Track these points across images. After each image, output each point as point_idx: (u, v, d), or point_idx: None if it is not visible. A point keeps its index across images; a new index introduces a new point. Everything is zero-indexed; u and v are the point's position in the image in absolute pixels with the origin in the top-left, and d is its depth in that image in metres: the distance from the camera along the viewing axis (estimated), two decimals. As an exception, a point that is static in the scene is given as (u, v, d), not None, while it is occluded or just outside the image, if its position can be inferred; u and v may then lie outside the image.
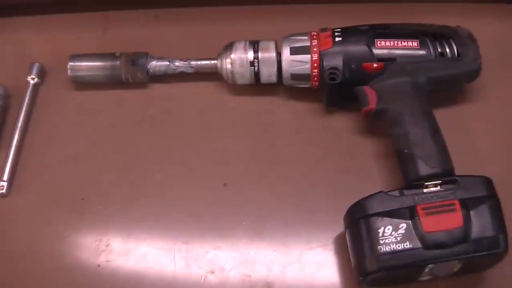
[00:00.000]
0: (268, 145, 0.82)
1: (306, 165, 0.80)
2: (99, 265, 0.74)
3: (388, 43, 0.77)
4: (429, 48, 0.77)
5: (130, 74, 0.84)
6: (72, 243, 0.76)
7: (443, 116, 0.76)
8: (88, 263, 0.75)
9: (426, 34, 0.78)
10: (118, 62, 0.84)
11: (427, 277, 0.68)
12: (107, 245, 0.75)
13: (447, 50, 0.77)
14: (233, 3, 0.93)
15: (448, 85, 0.80)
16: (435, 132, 0.72)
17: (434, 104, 0.77)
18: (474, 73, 0.78)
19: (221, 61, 0.82)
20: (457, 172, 0.70)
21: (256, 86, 0.84)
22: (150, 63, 0.84)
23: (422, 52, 0.76)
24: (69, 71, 0.85)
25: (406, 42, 0.77)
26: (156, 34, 0.92)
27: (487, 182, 0.67)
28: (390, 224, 0.65)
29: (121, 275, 0.74)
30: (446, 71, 0.77)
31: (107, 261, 0.75)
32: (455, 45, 0.77)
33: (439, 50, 0.77)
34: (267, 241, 0.75)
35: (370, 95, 0.76)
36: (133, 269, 0.74)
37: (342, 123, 0.82)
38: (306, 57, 0.78)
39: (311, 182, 0.78)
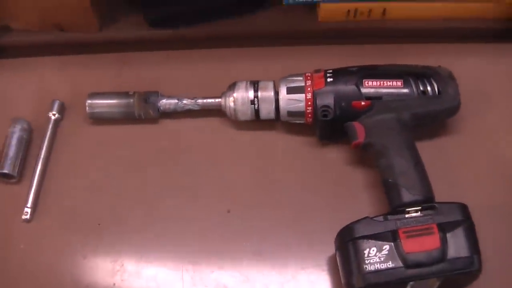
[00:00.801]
0: (267, 175, 0.86)
1: (302, 193, 0.84)
2: (114, 284, 0.79)
3: (375, 83, 0.82)
4: (412, 87, 0.81)
5: (143, 111, 0.89)
6: (90, 264, 0.81)
7: (425, 148, 0.81)
8: (105, 282, 0.79)
9: (410, 74, 0.82)
10: (131, 100, 0.89)
11: None
12: (122, 266, 0.80)
13: (429, 88, 0.82)
14: (236, 45, 0.99)
15: (430, 120, 0.84)
16: (417, 163, 0.77)
17: (417, 137, 0.82)
18: (454, 109, 0.83)
19: (224, 99, 0.87)
20: (438, 198, 0.74)
21: (256, 122, 0.88)
22: (161, 101, 0.89)
23: (405, 90, 0.81)
24: (87, 108, 0.89)
25: (391, 82, 0.82)
26: (167, 73, 0.97)
27: (463, 208, 0.72)
28: (375, 246, 0.70)
29: None
30: (428, 108, 0.82)
31: (121, 280, 0.79)
32: (436, 84, 0.82)
33: (421, 88, 0.81)
34: (266, 262, 0.79)
35: (359, 130, 0.81)
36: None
37: (334, 155, 0.87)
38: (301, 96, 0.83)
39: (307, 208, 0.83)
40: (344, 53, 0.96)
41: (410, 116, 0.81)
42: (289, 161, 0.88)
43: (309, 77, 0.85)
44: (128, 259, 0.81)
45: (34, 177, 0.87)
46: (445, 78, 0.83)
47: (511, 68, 0.95)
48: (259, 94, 0.86)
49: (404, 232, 0.71)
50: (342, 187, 0.85)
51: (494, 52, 0.97)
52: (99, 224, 0.84)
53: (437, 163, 0.84)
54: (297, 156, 0.88)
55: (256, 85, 0.87)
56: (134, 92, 0.90)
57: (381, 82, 0.82)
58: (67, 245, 0.83)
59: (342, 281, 0.73)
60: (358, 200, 0.83)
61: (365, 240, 0.71)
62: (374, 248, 0.70)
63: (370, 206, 0.82)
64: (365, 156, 0.84)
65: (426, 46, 0.97)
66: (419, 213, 0.72)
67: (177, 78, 0.96)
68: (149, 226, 0.84)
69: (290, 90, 0.84)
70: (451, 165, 0.86)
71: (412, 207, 0.73)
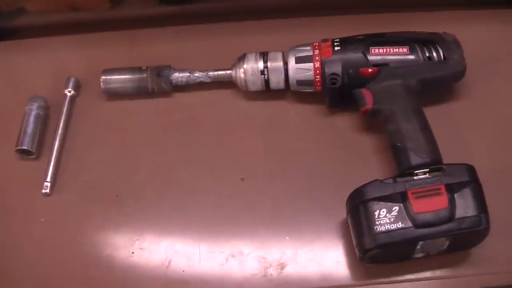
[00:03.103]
0: (279, 143, 0.88)
1: (313, 160, 0.86)
2: (133, 253, 0.81)
3: (381, 50, 0.83)
4: (418, 53, 0.83)
5: (156, 85, 0.91)
6: (109, 234, 0.83)
7: (433, 113, 0.83)
8: (124, 251, 0.82)
9: (415, 41, 0.84)
10: (144, 75, 0.91)
11: (420, 254, 0.74)
12: (141, 235, 0.82)
13: (434, 54, 0.83)
14: (244, 19, 1.00)
15: (437, 85, 0.85)
16: (424, 127, 0.79)
17: (425, 102, 0.84)
18: (459, 74, 0.85)
19: (235, 71, 0.89)
20: (447, 161, 0.76)
21: (267, 92, 0.90)
22: (173, 75, 0.91)
23: (411, 57, 0.83)
24: (102, 84, 0.92)
25: (397, 49, 0.83)
26: (177, 48, 0.99)
27: (470, 169, 0.74)
28: (385, 207, 0.72)
29: (153, 261, 0.81)
30: (434, 73, 0.83)
31: (140, 248, 0.81)
32: (441, 49, 0.83)
33: (427, 54, 0.83)
34: (280, 228, 0.81)
35: (367, 96, 0.83)
36: (164, 255, 0.81)
37: (344, 122, 0.88)
38: (310, 65, 0.85)
39: (318, 175, 0.85)
40: (352, 23, 0.98)
41: (416, 81, 0.83)
42: (299, 129, 0.90)
43: (317, 47, 0.86)
44: (146, 229, 0.84)
45: (52, 152, 0.90)
46: (450, 43, 0.84)
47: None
48: (269, 64, 0.88)
49: (413, 193, 0.72)
50: (352, 153, 0.87)
51: (502, 18, 0.97)
52: (117, 196, 0.86)
53: (445, 127, 0.86)
54: (308, 124, 0.90)
55: (265, 56, 0.88)
56: (147, 67, 0.92)
57: (388, 49, 0.84)
58: (86, 217, 0.85)
59: (354, 243, 0.75)
60: (368, 165, 0.85)
61: (375, 202, 0.73)
62: (384, 209, 0.72)
63: (380, 170, 0.83)
64: (373, 122, 0.85)
65: (433, 14, 0.98)
66: (427, 175, 0.74)
67: (188, 53, 0.98)
68: (165, 196, 0.86)
69: (298, 60, 0.86)
70: (459, 129, 0.87)
71: (420, 169, 0.74)
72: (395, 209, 0.72)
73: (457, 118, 0.88)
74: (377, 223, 0.72)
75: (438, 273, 0.78)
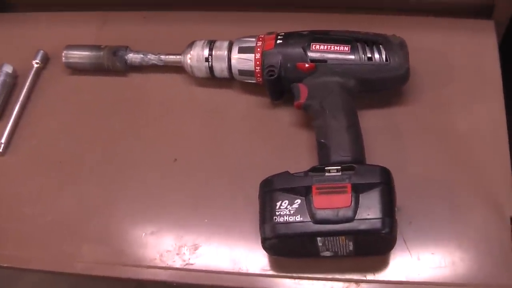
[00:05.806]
0: (217, 130, 0.90)
1: (247, 149, 0.87)
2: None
3: (322, 47, 0.83)
4: (359, 53, 0.82)
5: (111, 63, 0.95)
6: (52, 195, 0.88)
7: (378, 116, 0.85)
8: (55, 216, 0.86)
9: (358, 40, 0.83)
10: (101, 53, 0.95)
11: (327, 253, 0.74)
12: (72, 201, 0.87)
13: (376, 55, 0.82)
14: (215, 9, 1.02)
15: (378, 87, 0.85)
16: (351, 126, 0.79)
17: (371, 104, 0.85)
18: (401, 78, 0.84)
19: (184, 56, 0.91)
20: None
21: (215, 80, 0.92)
22: (128, 55, 0.95)
23: (351, 56, 0.82)
24: (63, 58, 0.96)
25: (338, 47, 0.83)
26: (143, 32, 1.02)
27: (383, 172, 0.73)
28: (287, 199, 0.72)
29: (81, 226, 0.85)
30: (373, 74, 0.82)
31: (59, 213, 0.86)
32: (385, 51, 0.82)
33: (368, 55, 0.82)
34: (201, 210, 0.83)
35: (302, 91, 0.83)
36: (89, 221, 0.85)
37: (285, 116, 0.89)
38: (251, 56, 0.86)
39: (248, 164, 0.86)
40: (316, 21, 0.97)
41: (355, 81, 0.83)
42: (240, 118, 0.91)
43: (261, 39, 0.87)
44: (77, 195, 0.88)
45: (11, 116, 0.95)
46: (394, 46, 0.83)
47: (478, 45, 0.93)
48: (214, 52, 0.89)
49: (318, 188, 0.72)
50: (286, 147, 0.87)
51: (465, 28, 0.95)
52: (60, 162, 0.91)
53: (387, 131, 0.86)
54: (249, 114, 0.91)
55: (212, 44, 0.90)
56: (106, 46, 0.96)
57: (328, 46, 0.83)
58: (33, 178, 0.90)
59: (259, 230, 0.75)
60: (299, 160, 0.84)
61: (279, 193, 0.73)
62: (286, 201, 0.73)
63: (310, 165, 0.81)
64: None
65: (392, 18, 0.97)
66: (338, 173, 0.74)
67: (152, 38, 1.01)
68: (101, 169, 0.90)
69: (241, 50, 0.87)
70: (400, 134, 0.86)
71: (333, 166, 0.74)
72: (297, 202, 0.72)
73: (401, 123, 0.87)
74: (277, 213, 0.72)
75: (347, 275, 0.77)
